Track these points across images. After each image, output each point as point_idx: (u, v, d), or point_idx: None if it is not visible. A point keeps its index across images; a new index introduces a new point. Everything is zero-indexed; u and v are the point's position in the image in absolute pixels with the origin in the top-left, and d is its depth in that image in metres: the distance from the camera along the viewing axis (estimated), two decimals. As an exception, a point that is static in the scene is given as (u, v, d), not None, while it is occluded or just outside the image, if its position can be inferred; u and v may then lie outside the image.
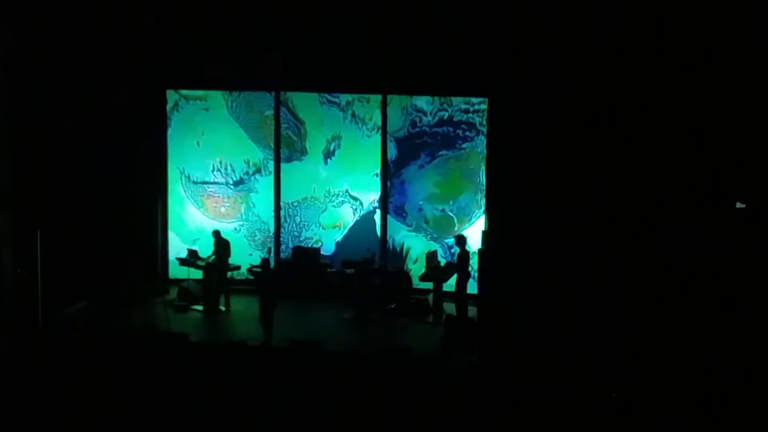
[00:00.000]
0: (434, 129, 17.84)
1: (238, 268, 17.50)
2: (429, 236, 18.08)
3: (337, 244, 18.48)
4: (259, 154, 18.54)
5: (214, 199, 18.75)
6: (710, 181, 14.51)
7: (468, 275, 16.21)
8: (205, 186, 18.73)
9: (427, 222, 18.09)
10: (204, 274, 17.18)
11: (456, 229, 17.71)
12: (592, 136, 14.97)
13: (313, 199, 18.45)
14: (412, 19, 16.47)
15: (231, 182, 18.69)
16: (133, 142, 17.54)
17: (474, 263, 16.25)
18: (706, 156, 14.55)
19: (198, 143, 18.60)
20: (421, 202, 18.08)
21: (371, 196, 18.28)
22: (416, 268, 17.86)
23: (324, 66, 17.13)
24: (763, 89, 14.34)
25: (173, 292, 17.59)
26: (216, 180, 18.67)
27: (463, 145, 17.71)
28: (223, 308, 16.98)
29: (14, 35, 15.29)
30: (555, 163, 15.03)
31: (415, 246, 18.14)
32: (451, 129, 17.73)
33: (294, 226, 18.56)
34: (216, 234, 17.25)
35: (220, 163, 18.59)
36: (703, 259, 14.16)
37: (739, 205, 14.47)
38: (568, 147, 15.01)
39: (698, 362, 12.73)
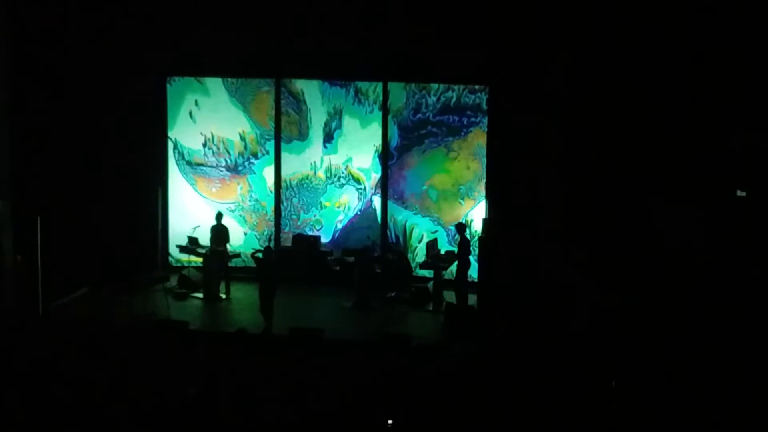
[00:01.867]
0: (438, 117, 17.96)
1: (237, 255, 17.68)
2: (435, 221, 18.23)
3: (337, 231, 18.62)
4: (256, 130, 18.66)
5: (209, 180, 18.86)
6: (711, 169, 14.68)
7: (468, 263, 16.49)
8: (200, 168, 18.83)
9: (432, 207, 18.18)
10: (204, 261, 17.40)
11: (461, 213, 17.84)
12: (593, 125, 15.16)
13: (314, 178, 18.57)
14: (413, 5, 16.64)
15: (224, 164, 18.79)
16: (133, 128, 17.71)
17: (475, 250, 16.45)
18: (707, 145, 14.71)
19: (191, 113, 18.81)
20: (425, 187, 18.18)
21: (373, 176, 18.38)
22: (421, 247, 18.20)
23: (325, 54, 17.26)
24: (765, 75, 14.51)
25: (173, 280, 17.81)
26: (208, 158, 18.97)
27: (470, 129, 17.80)
28: (223, 296, 17.27)
29: (14, 23, 15.44)
30: (556, 152, 15.20)
31: (420, 225, 18.56)
32: (456, 118, 17.86)
33: (292, 208, 18.66)
34: (218, 216, 17.43)
35: (212, 136, 18.65)
36: (704, 247, 14.34)
37: (739, 193, 14.64)
38: (569, 136, 15.18)
39: (699, 353, 12.92)
